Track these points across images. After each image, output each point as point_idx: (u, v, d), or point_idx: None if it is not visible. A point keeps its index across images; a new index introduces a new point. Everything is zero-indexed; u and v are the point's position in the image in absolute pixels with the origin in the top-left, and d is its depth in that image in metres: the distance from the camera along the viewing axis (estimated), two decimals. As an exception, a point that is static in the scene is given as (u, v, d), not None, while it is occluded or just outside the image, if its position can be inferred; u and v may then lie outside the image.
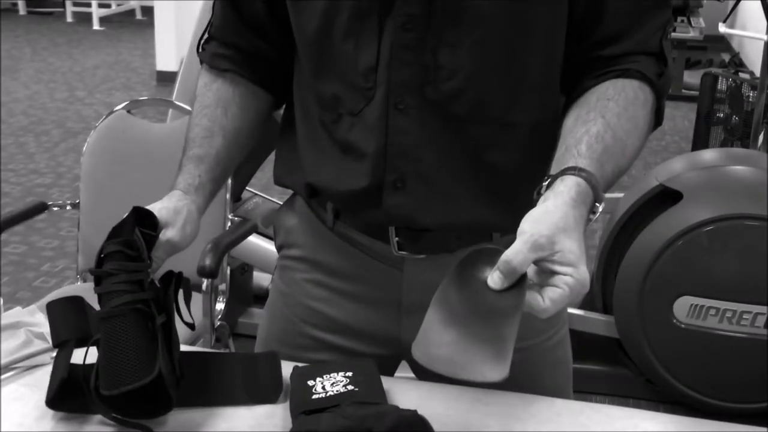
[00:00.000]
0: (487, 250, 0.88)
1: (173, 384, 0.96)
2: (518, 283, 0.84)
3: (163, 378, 0.94)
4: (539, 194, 0.93)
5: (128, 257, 0.99)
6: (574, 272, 0.84)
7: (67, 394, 1.00)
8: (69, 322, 1.02)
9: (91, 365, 0.97)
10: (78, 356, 1.00)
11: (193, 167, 1.13)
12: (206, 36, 1.19)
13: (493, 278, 0.85)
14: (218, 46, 1.17)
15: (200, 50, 1.19)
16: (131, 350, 0.95)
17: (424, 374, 1.17)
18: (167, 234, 1.04)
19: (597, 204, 0.92)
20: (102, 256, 0.99)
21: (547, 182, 0.93)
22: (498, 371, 0.81)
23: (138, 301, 0.97)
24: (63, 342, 1.02)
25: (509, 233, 1.06)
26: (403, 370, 1.23)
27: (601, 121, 0.98)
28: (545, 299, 0.85)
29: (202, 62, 1.20)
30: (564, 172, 0.92)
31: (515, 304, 0.83)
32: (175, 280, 1.02)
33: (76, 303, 1.04)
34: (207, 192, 1.13)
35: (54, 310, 1.04)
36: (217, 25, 1.17)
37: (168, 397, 0.96)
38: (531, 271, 0.86)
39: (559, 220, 0.86)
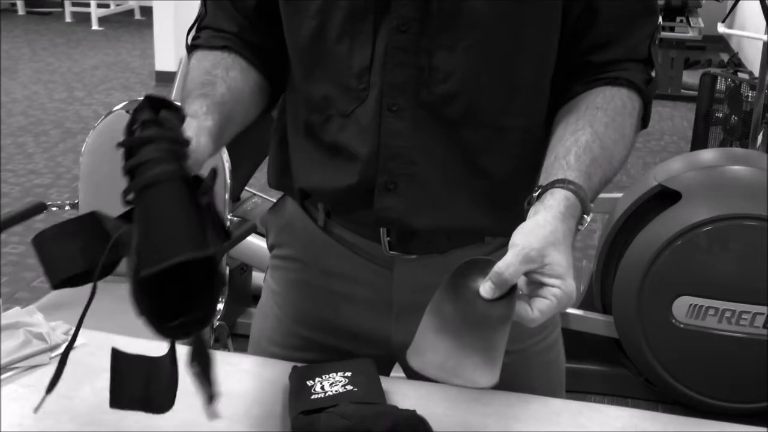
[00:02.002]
0: (479, 261, 0.90)
1: (220, 283, 0.81)
2: (509, 293, 0.87)
3: (215, 263, 0.79)
4: (529, 204, 0.95)
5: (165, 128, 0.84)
6: (562, 284, 0.87)
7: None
8: (66, 251, 0.84)
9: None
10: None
11: (198, 103, 0.98)
12: (196, 28, 1.14)
13: (485, 288, 0.87)
14: (213, 32, 1.11)
15: (191, 41, 1.13)
16: (183, 218, 0.80)
17: (416, 376, 1.18)
18: None
19: (585, 216, 0.94)
20: (132, 129, 0.85)
21: (537, 193, 0.94)
22: (488, 377, 0.83)
23: (183, 175, 0.83)
24: (64, 280, 0.85)
25: (501, 236, 1.07)
26: (400, 371, 1.23)
27: (589, 130, 0.99)
28: (534, 309, 0.87)
29: (195, 49, 1.11)
30: (553, 184, 0.94)
31: (506, 313, 0.86)
32: (212, 174, 0.87)
33: (71, 228, 0.85)
34: (216, 119, 0.96)
35: (44, 242, 0.85)
36: (210, 16, 1.12)
37: (210, 304, 0.81)
38: (521, 281, 0.88)
39: (549, 233, 0.88)
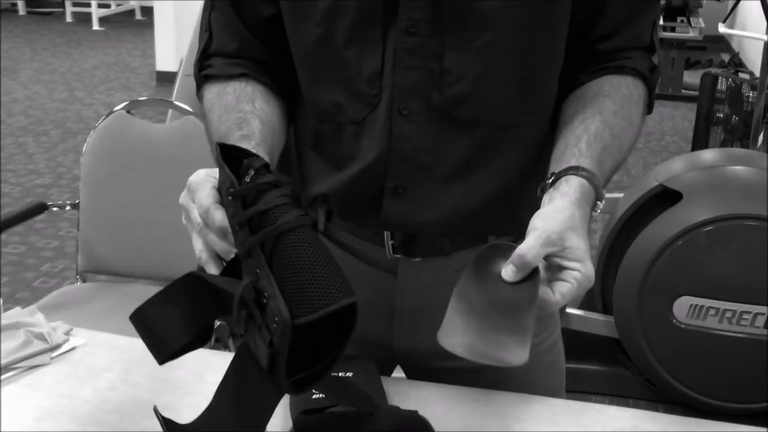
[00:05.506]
0: (501, 245, 0.92)
1: (351, 332, 0.79)
2: (531, 276, 0.88)
3: (356, 310, 0.77)
4: (542, 191, 0.96)
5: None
6: (582, 267, 0.88)
7: None
8: (170, 322, 0.81)
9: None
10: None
11: (242, 146, 0.95)
12: (203, 56, 1.09)
13: (507, 272, 0.88)
14: (225, 59, 1.08)
15: (200, 71, 1.09)
16: (331, 263, 0.76)
17: (416, 377, 1.18)
18: None
19: (598, 202, 0.96)
20: (238, 180, 0.81)
21: (550, 180, 0.95)
22: (518, 356, 0.84)
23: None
24: (177, 350, 0.82)
25: (506, 235, 1.07)
26: (400, 372, 1.23)
27: (599, 118, 1.01)
28: (555, 293, 0.88)
29: (207, 80, 1.08)
30: (567, 171, 0.95)
31: (530, 296, 0.87)
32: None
33: (169, 296, 0.81)
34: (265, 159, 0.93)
35: (144, 318, 0.81)
36: (217, 41, 1.09)
37: (337, 354, 0.79)
38: (540, 266, 0.89)
39: (568, 218, 0.90)
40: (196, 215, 0.87)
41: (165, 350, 0.82)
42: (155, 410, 0.85)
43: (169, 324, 0.81)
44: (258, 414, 0.81)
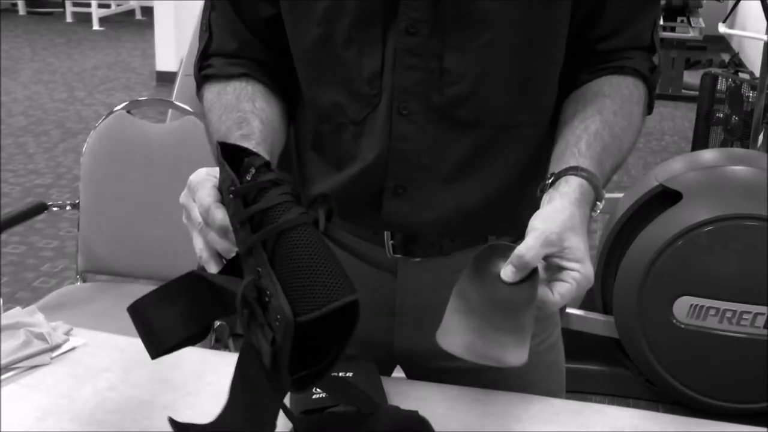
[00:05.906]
0: (501, 245, 0.91)
1: (354, 329, 0.79)
2: (530, 276, 0.88)
3: (358, 307, 0.77)
4: (542, 191, 0.96)
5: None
6: (581, 268, 0.88)
7: None
8: (166, 319, 0.82)
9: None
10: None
11: (243, 144, 0.95)
12: (203, 56, 1.10)
13: (506, 272, 0.88)
14: (225, 59, 1.08)
15: (200, 71, 1.09)
16: (333, 260, 0.77)
17: (416, 377, 1.18)
18: None
19: (598, 202, 0.96)
20: (239, 179, 0.81)
21: (550, 180, 0.95)
22: (516, 357, 0.84)
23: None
24: (171, 347, 0.84)
25: (506, 236, 1.07)
26: (400, 372, 1.23)
27: (599, 118, 1.01)
28: (554, 293, 0.88)
29: (207, 80, 1.08)
30: (566, 171, 0.95)
31: (529, 296, 0.87)
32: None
33: (167, 293, 0.83)
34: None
35: (141, 312, 0.83)
36: (217, 41, 1.09)
37: (339, 352, 0.80)
38: (539, 266, 0.88)
39: (567, 218, 0.89)
40: (196, 214, 0.87)
41: (160, 347, 0.83)
42: (170, 420, 0.84)
43: (168, 323, 0.83)
44: (264, 413, 0.81)
